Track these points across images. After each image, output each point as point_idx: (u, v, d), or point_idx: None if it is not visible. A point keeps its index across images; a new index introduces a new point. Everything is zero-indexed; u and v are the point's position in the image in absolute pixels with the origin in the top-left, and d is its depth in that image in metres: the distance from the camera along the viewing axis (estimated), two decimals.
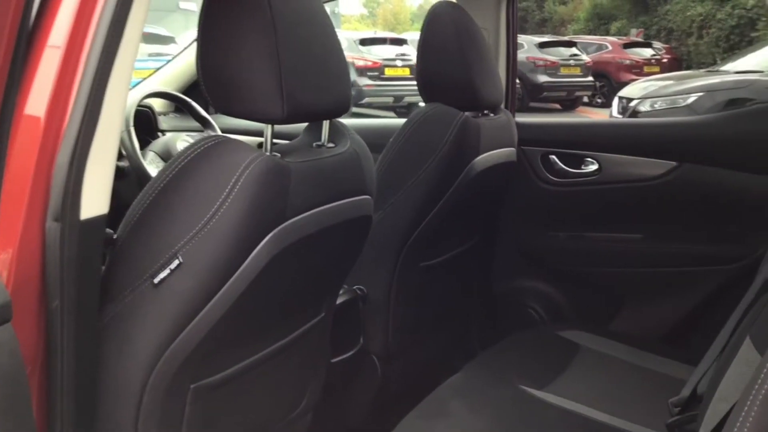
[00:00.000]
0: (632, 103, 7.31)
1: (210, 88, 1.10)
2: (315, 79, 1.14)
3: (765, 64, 7.27)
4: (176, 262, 1.03)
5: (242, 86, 1.08)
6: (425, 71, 1.81)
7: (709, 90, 7.05)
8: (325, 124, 1.26)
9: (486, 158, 1.83)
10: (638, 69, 13.04)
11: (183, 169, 1.05)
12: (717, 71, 7.88)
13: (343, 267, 1.45)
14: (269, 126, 1.13)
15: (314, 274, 1.35)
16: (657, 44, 14.52)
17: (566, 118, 6.51)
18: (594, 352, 1.74)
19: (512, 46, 2.20)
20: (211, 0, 1.08)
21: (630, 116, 7.19)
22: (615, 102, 8.03)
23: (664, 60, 13.64)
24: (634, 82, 8.11)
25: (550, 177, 2.17)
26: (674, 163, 2.04)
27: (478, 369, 1.64)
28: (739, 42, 13.59)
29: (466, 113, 1.76)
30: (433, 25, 1.78)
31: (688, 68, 13.72)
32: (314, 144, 1.28)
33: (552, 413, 1.45)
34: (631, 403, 1.50)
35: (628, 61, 13.55)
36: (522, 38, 11.98)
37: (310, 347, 1.44)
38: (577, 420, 1.44)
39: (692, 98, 7.03)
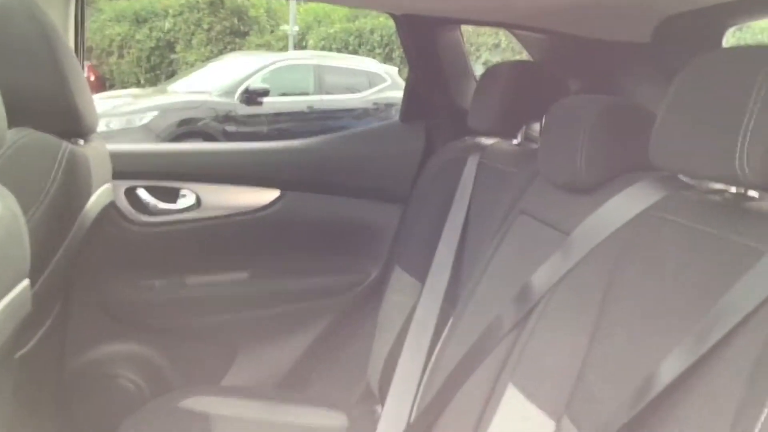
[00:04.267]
0: None
1: None
2: None
3: (210, 85, 7.66)
4: None
5: None
6: (4, 84, 1.25)
7: (164, 109, 7.11)
8: None
9: (95, 204, 1.38)
10: None
11: None
12: (166, 91, 7.99)
13: None
14: None
15: None
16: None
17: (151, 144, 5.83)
18: (226, 419, 1.50)
19: (81, 49, 1.73)
20: None
21: None
22: None
23: (92, 79, 13.28)
24: None
25: (138, 215, 1.79)
26: (278, 192, 1.88)
27: None
28: (160, 63, 14.07)
29: (69, 143, 1.29)
30: (6, 22, 1.24)
31: (111, 87, 13.64)
32: None
33: None
34: None
35: None
36: None
37: None
38: None
39: (148, 117, 6.99)
